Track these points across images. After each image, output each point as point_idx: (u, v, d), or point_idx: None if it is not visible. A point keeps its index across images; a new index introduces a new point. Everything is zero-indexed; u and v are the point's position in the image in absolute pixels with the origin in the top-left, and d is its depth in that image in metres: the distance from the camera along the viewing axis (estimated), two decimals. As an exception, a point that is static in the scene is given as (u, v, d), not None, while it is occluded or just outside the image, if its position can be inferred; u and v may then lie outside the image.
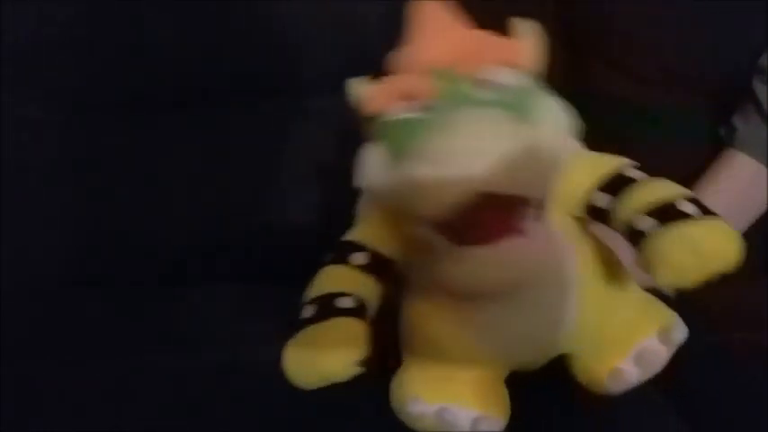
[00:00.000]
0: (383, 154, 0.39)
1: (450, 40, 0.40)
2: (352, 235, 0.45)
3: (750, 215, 0.64)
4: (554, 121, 0.39)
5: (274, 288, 0.59)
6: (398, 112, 0.38)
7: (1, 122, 0.69)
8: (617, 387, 0.44)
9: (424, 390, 0.45)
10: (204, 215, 0.70)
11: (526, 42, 0.40)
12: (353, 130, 0.61)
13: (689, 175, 0.63)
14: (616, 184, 0.41)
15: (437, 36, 0.40)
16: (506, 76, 0.39)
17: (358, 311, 0.41)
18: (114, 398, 0.52)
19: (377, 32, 0.67)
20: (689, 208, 0.38)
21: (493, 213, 0.35)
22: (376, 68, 0.62)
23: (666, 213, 0.37)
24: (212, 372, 0.52)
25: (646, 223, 0.38)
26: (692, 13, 0.67)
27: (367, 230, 0.45)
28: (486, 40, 0.40)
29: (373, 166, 0.39)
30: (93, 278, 0.69)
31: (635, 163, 0.42)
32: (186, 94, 0.70)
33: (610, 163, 0.43)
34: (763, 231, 0.63)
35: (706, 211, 0.38)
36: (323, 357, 0.39)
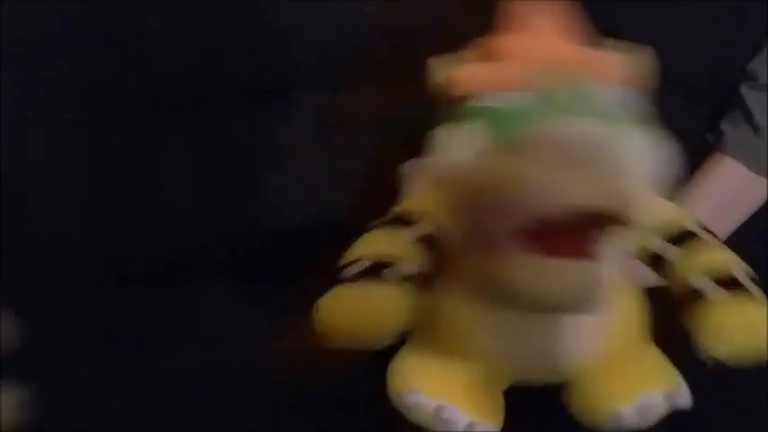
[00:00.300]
0: (474, 137, 0.37)
1: (557, 40, 0.38)
2: (405, 205, 0.44)
3: (736, 219, 0.64)
4: (641, 151, 0.38)
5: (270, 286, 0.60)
6: (500, 98, 0.37)
7: (4, 120, 0.68)
8: (613, 427, 0.43)
9: (425, 382, 0.44)
10: (201, 213, 0.68)
11: (626, 61, 0.39)
12: (348, 129, 0.64)
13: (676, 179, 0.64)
14: (676, 235, 0.40)
15: (545, 32, 0.38)
16: (609, 93, 0.37)
17: (406, 283, 0.40)
18: (110, 394, 0.53)
19: (370, 31, 0.67)
20: (745, 279, 0.37)
21: (574, 230, 0.34)
22: (370, 66, 0.64)
23: (726, 281, 0.37)
24: (209, 370, 0.52)
25: (705, 285, 0.37)
26: (678, 15, 0.65)
27: (421, 205, 0.43)
28: (591, 49, 0.39)
29: (458, 148, 0.37)
30: (91, 275, 0.68)
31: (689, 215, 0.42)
32: (183, 95, 0.70)
33: (671, 210, 0.42)
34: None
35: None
36: (361, 321, 0.38)
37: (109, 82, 0.69)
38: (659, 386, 0.44)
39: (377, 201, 0.45)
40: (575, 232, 0.35)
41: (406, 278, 0.40)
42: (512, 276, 0.37)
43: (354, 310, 0.38)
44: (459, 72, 0.39)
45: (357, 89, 0.67)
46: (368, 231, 0.43)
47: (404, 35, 0.64)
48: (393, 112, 0.62)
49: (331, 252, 0.41)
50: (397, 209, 0.44)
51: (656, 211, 0.42)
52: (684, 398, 0.45)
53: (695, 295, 0.37)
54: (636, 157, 0.38)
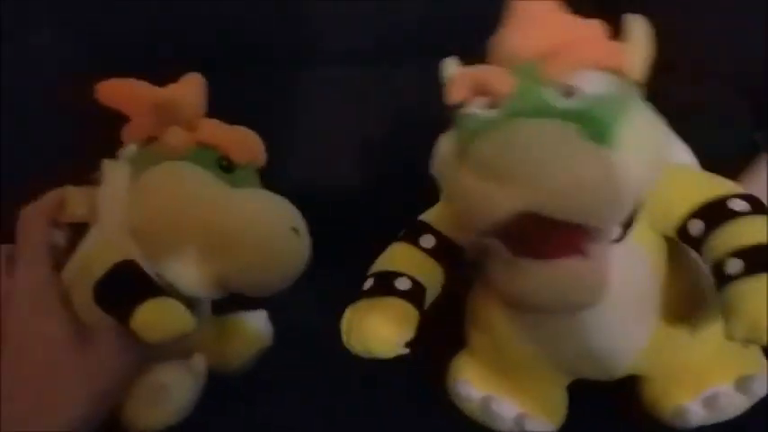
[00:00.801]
0: (452, 147, 0.37)
1: (546, 30, 0.37)
2: (428, 215, 0.44)
3: None
4: (638, 145, 0.35)
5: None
6: (474, 105, 0.37)
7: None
8: (680, 425, 0.41)
9: (477, 376, 0.45)
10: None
11: (633, 45, 0.37)
12: (378, 103, 0.64)
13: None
14: (715, 214, 0.37)
15: (533, 25, 0.37)
16: (597, 84, 0.36)
17: (413, 295, 0.41)
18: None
19: (409, 6, 0.66)
20: None
21: (550, 231, 0.33)
22: (405, 42, 0.63)
23: (756, 261, 0.33)
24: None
25: (734, 266, 0.34)
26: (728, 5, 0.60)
27: (441, 213, 0.44)
28: (587, 36, 0.37)
29: (442, 158, 0.38)
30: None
31: (742, 192, 0.38)
32: (211, 62, 0.67)
33: (715, 188, 0.38)
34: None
35: None
36: (370, 332, 0.40)
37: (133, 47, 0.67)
38: (729, 374, 0.40)
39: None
40: (556, 232, 0.33)
41: (416, 290, 0.41)
42: (508, 283, 0.36)
43: (365, 324, 0.39)
44: (451, 76, 0.39)
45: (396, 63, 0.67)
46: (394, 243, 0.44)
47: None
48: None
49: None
50: (423, 216, 0.44)
51: (697, 190, 0.38)
52: (762, 383, 0.40)
53: (727, 278, 0.34)
54: (632, 151, 0.34)
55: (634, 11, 0.38)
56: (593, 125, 0.34)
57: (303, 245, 0.44)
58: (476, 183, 0.33)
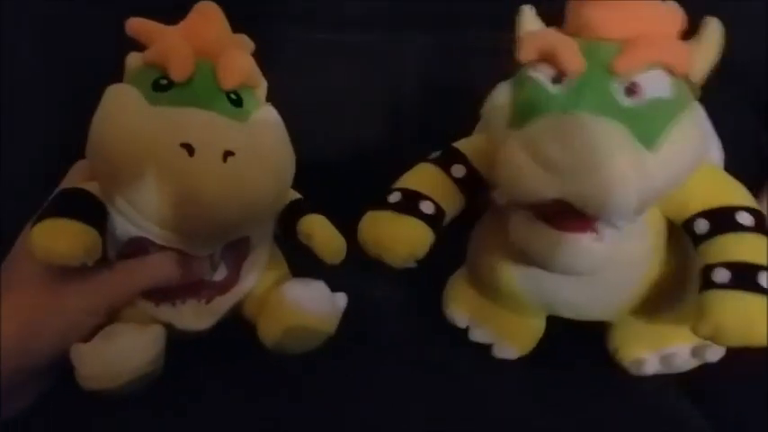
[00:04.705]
0: (508, 105, 0.39)
1: (630, 12, 0.37)
2: (463, 144, 0.47)
3: None
4: (683, 150, 0.37)
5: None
6: (539, 71, 0.38)
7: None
8: (634, 371, 0.47)
9: (465, 295, 0.51)
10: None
11: (703, 48, 0.38)
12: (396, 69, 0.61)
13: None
14: (721, 221, 0.40)
15: (619, 2, 0.38)
16: (660, 86, 0.37)
17: (434, 219, 0.44)
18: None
19: None
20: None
21: (574, 212, 0.36)
22: (420, 8, 0.60)
23: (742, 278, 0.37)
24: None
25: (721, 276, 0.38)
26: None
27: (476, 147, 0.46)
28: (665, 31, 0.38)
29: (495, 108, 0.40)
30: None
31: (753, 206, 0.40)
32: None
33: (731, 196, 0.41)
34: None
35: None
36: (388, 243, 0.43)
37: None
38: (689, 339, 0.45)
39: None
40: (579, 214, 0.36)
41: (437, 215, 0.44)
42: (526, 241, 0.40)
43: (382, 234, 0.43)
44: (523, 33, 0.40)
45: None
46: (425, 162, 0.47)
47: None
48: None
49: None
50: (459, 144, 0.47)
51: (713, 191, 0.41)
52: (715, 354, 0.45)
53: (711, 285, 0.38)
54: (672, 156, 0.37)
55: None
56: (644, 129, 0.36)
57: (206, 166, 0.38)
58: (524, 161, 0.36)
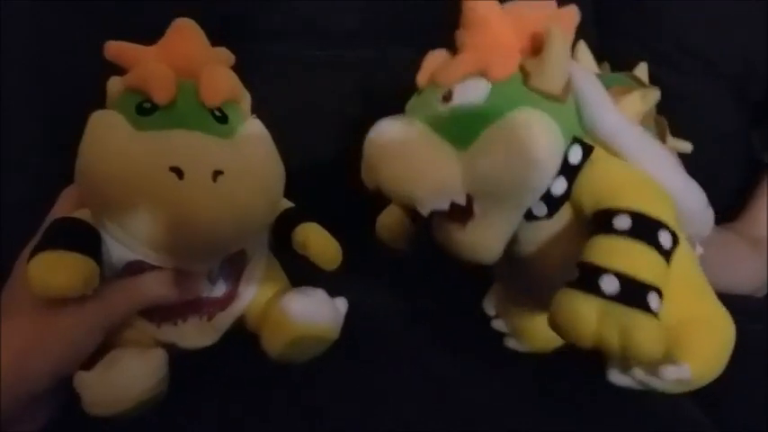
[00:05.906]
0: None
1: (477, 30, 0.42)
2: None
3: None
4: (499, 150, 0.39)
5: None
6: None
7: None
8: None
9: (499, 298, 0.55)
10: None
11: (545, 59, 0.40)
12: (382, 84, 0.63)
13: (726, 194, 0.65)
14: (601, 222, 0.40)
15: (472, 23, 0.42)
16: (472, 92, 0.41)
17: None
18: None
19: None
20: (610, 286, 0.36)
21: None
22: (415, 26, 0.63)
23: (587, 281, 0.37)
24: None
25: (573, 274, 0.38)
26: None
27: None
28: (502, 44, 0.42)
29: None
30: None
31: (639, 210, 0.39)
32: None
33: (625, 198, 0.40)
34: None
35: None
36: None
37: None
38: None
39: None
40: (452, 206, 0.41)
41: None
42: (435, 235, 0.45)
43: None
44: (425, 62, 0.44)
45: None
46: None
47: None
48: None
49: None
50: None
51: (609, 191, 0.41)
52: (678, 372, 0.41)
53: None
54: (488, 156, 0.40)
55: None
56: (454, 131, 0.41)
57: (196, 188, 0.38)
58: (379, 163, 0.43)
